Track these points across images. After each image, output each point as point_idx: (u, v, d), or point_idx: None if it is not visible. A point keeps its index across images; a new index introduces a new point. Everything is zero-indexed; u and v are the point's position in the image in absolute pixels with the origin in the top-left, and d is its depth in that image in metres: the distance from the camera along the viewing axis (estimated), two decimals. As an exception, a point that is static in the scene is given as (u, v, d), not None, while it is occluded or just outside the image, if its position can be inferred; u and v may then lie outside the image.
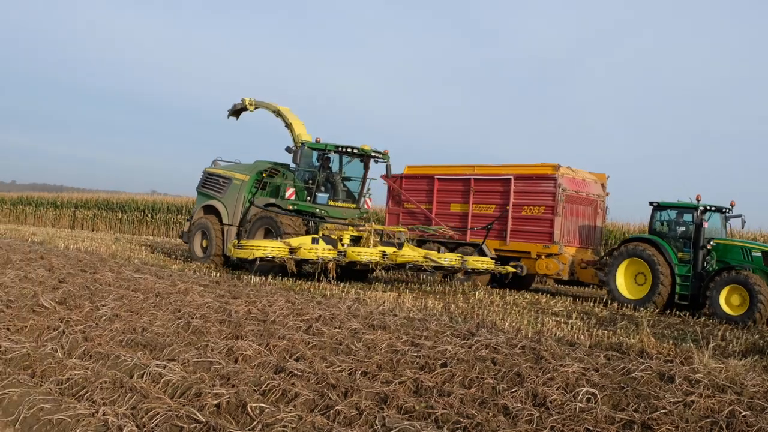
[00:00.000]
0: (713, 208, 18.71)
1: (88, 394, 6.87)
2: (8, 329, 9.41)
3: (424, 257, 18.95)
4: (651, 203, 19.42)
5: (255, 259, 17.31)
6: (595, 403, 7.24)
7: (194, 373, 7.62)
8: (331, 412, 6.55)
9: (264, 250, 17.31)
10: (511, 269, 20.68)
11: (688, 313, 17.62)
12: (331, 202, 21.25)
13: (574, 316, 15.33)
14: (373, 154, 21.42)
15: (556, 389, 7.66)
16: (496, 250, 21.78)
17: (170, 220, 46.39)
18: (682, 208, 18.94)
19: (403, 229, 21.47)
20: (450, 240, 22.47)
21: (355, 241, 19.73)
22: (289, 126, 23.77)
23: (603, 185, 22.85)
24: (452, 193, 23.16)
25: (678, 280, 18.30)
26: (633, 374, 8.42)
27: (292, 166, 22.10)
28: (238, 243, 18.17)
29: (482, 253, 21.33)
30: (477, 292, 18.94)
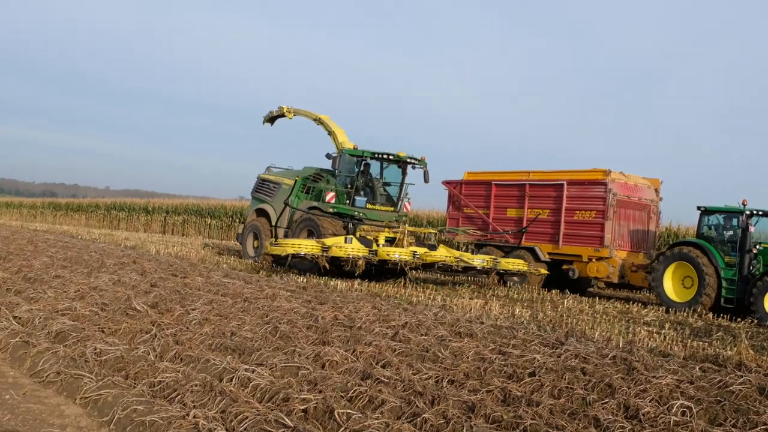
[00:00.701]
0: (761, 213, 18.72)
1: (179, 396, 6.97)
2: (103, 332, 9.65)
3: (455, 258, 19.81)
4: (699, 208, 19.61)
5: (287, 256, 18.73)
6: (690, 417, 7.00)
7: (282, 377, 7.66)
8: (418, 420, 6.49)
9: (295, 247, 18.72)
10: (544, 270, 21.66)
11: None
12: (369, 206, 22.78)
13: (667, 326, 14.92)
14: (408, 160, 22.76)
15: (649, 401, 7.43)
16: (549, 253, 22.48)
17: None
18: (729, 213, 19.02)
19: (433, 231, 22.97)
20: (506, 244, 23.23)
21: (391, 241, 20.89)
22: (331, 133, 25.40)
23: (657, 190, 23.11)
24: (509, 198, 23.94)
25: (724, 283, 18.43)
26: (731, 388, 8.10)
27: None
28: (275, 241, 19.73)
29: (536, 256, 22.32)
30: (566, 301, 18.67)
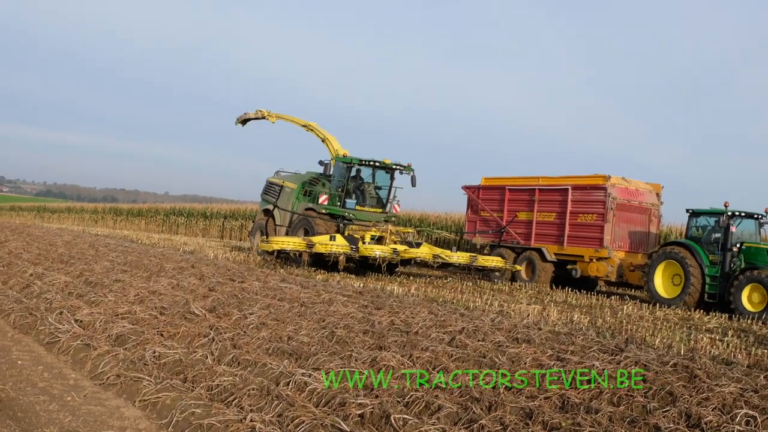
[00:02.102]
0: (743, 214, 19.91)
1: (236, 400, 7.01)
2: (162, 335, 9.77)
3: (433, 255, 22.04)
4: (687, 210, 21.00)
5: (274, 251, 21.42)
6: (755, 427, 6.81)
7: (338, 382, 7.65)
8: (475, 426, 6.43)
9: (281, 244, 21.24)
10: (519, 267, 24.12)
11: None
12: (358, 207, 24.90)
13: (730, 333, 14.58)
14: (394, 166, 25.00)
15: (712, 410, 7.25)
16: (555, 253, 24.12)
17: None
18: (714, 214, 20.25)
19: (411, 230, 25.01)
20: (517, 245, 25.00)
21: (378, 240, 23.06)
22: (325, 140, 27.50)
23: (658, 195, 24.44)
24: (520, 202, 25.54)
25: (707, 280, 19.69)
26: (797, 397, 7.88)
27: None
28: (265, 239, 22.07)
29: (543, 256, 24.06)
30: (625, 307, 18.40)
